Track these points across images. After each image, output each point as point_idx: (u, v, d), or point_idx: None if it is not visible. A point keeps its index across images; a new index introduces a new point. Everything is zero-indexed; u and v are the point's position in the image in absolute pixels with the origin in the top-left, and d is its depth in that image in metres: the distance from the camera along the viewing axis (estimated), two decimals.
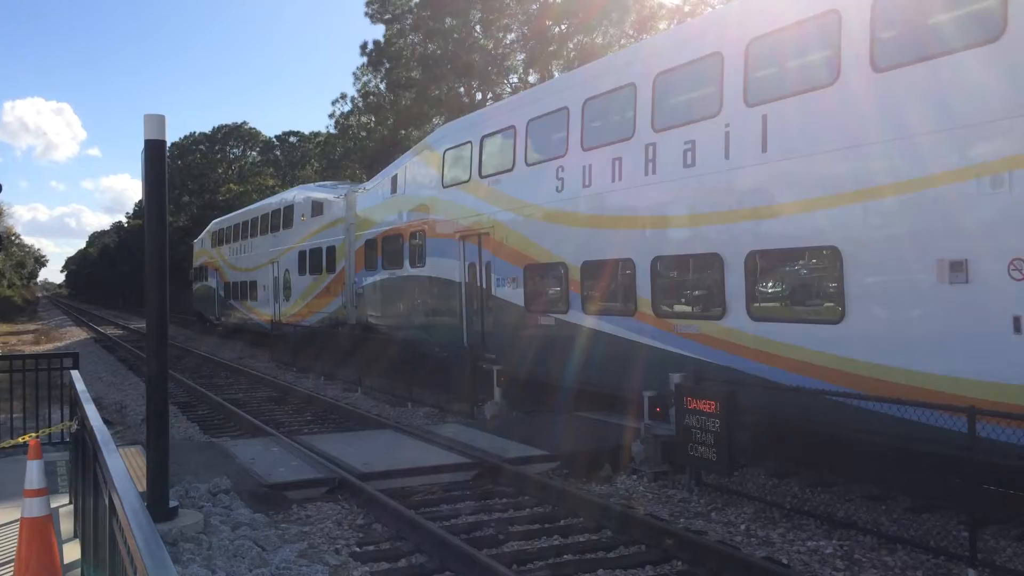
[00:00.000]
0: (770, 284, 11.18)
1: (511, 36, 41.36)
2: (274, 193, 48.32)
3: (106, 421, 16.51)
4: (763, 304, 10.88)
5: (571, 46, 37.87)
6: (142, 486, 8.12)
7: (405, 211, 20.16)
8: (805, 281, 10.77)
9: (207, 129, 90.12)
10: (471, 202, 16.91)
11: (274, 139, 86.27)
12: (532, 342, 14.91)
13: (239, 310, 37.37)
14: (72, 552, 6.62)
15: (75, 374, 8.83)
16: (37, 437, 7.49)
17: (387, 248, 21.34)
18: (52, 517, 5.98)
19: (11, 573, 5.79)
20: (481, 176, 16.64)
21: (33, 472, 5.82)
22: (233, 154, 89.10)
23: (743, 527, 8.73)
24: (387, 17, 43.64)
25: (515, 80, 42.40)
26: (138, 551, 2.67)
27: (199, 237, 48.69)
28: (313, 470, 10.50)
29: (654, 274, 12.17)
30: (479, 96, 42.80)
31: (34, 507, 5.71)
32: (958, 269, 8.31)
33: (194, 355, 32.67)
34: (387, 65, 44.53)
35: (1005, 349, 7.91)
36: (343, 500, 9.67)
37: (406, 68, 43.28)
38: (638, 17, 36.06)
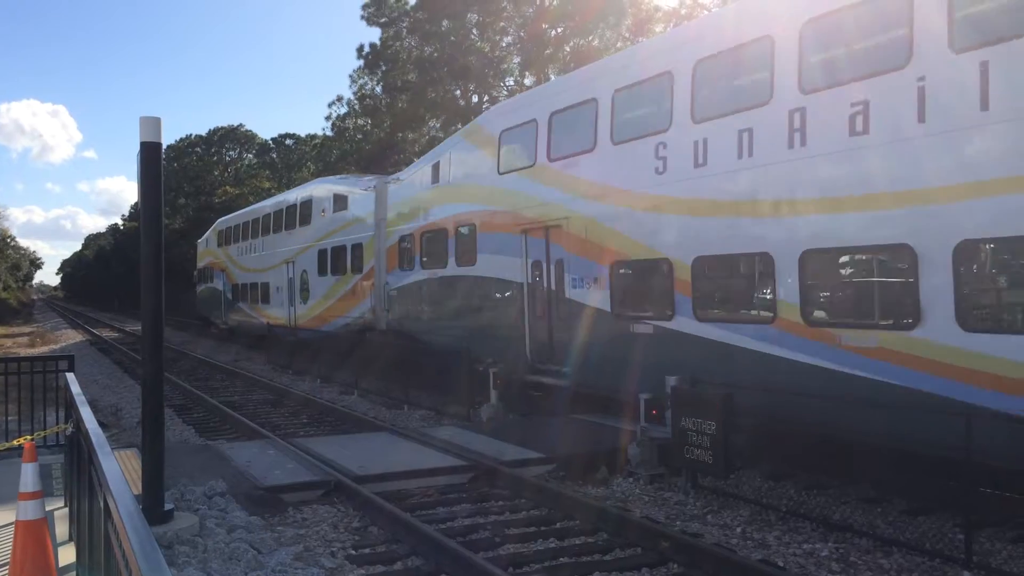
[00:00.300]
0: (997, 283, 8.66)
1: (507, 39, 41.40)
2: (271, 195, 48.07)
3: (101, 424, 16.47)
4: (984, 310, 8.53)
5: (567, 49, 37.90)
6: (137, 489, 8.11)
7: (450, 203, 17.83)
8: None
9: (203, 131, 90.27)
10: (536, 190, 14.72)
11: (270, 141, 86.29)
12: (620, 354, 12.58)
13: (248, 313, 34.80)
14: (67, 555, 6.60)
15: (70, 377, 8.81)
16: (32, 440, 7.48)
17: (427, 245, 19.08)
18: (47, 520, 5.95)
19: None
20: (550, 159, 14.38)
21: (28, 475, 5.80)
22: (229, 156, 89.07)
23: (739, 530, 8.73)
24: (383, 20, 43.67)
25: (511, 83, 42.46)
26: (133, 554, 2.66)
27: (203, 237, 46.00)
28: (309, 473, 10.48)
29: (804, 272, 9.84)
30: (475, 99, 42.84)
31: (29, 510, 5.69)
32: None
33: (190, 358, 32.61)
34: (383, 68, 44.55)
35: None
36: (339, 503, 9.66)
37: (402, 71, 43.29)
38: (634, 20, 36.13)
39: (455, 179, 17.82)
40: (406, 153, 45.45)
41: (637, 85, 12.71)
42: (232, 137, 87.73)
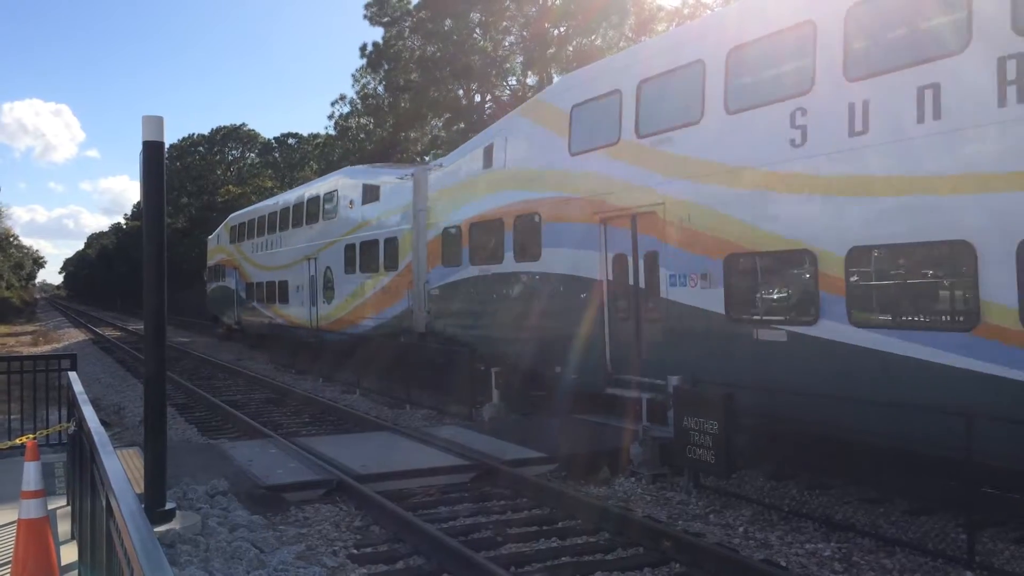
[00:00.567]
0: None
1: (510, 38, 41.39)
2: (273, 195, 47.93)
3: (104, 423, 16.50)
4: None
5: (570, 48, 37.89)
6: (140, 488, 8.12)
7: (507, 190, 15.70)
8: None
9: (206, 130, 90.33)
10: (621, 172, 12.69)
11: (273, 141, 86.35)
12: (738, 365, 10.48)
13: (264, 314, 32.39)
14: (70, 554, 6.60)
15: (73, 375, 8.82)
16: (35, 438, 7.49)
17: (478, 238, 16.84)
18: (49, 519, 5.96)
19: (8, 575, 5.78)
20: (639, 135, 12.33)
21: (30, 473, 5.81)
22: (232, 156, 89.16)
23: (741, 529, 8.73)
24: (386, 19, 43.68)
25: (514, 82, 42.46)
26: (135, 553, 2.66)
27: (214, 233, 43.61)
28: (311, 472, 10.49)
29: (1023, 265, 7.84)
30: (477, 98, 42.85)
31: (31, 508, 5.70)
32: None
33: (193, 357, 32.64)
34: (386, 67, 44.57)
35: None
36: (341, 502, 9.66)
37: (405, 70, 43.30)
38: (637, 20, 36.10)
39: (513, 163, 15.70)
40: (408, 152, 45.49)
41: (760, 42, 10.67)
42: (235, 136, 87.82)
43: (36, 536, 5.63)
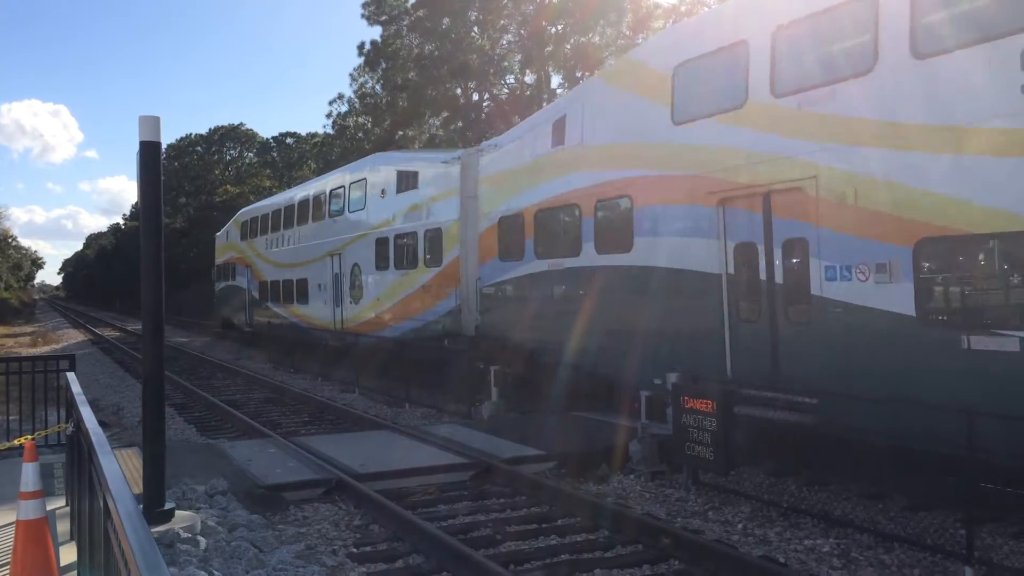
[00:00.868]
0: None
1: (508, 37, 41.37)
2: (271, 194, 47.80)
3: (103, 423, 16.50)
4: None
5: (568, 47, 37.88)
6: (139, 488, 8.12)
7: (585, 170, 13.50)
8: None
9: (204, 130, 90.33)
10: (749, 140, 10.45)
11: (271, 140, 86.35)
12: (936, 381, 8.26)
13: (280, 315, 29.93)
14: (69, 554, 6.61)
15: (71, 376, 8.82)
16: (33, 439, 7.49)
17: (545, 227, 14.74)
18: (48, 519, 5.96)
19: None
20: (776, 94, 10.10)
21: (29, 474, 5.81)
22: (230, 155, 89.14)
23: (740, 526, 8.74)
24: (384, 18, 43.67)
25: (511, 81, 42.44)
26: (132, 554, 2.66)
27: (223, 229, 41.14)
28: (310, 471, 10.49)
29: None
30: (475, 97, 42.83)
31: (29, 509, 5.70)
32: None
33: (191, 356, 32.64)
34: (384, 66, 44.55)
35: None
36: (340, 501, 9.67)
37: (403, 69, 43.29)
38: (635, 17, 36.09)
39: (593, 138, 13.48)
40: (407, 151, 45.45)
41: None
42: (232, 136, 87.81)
43: (34, 537, 5.63)
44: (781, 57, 10.21)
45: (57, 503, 8.25)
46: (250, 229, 34.74)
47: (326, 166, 52.28)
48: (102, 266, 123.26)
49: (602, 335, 13.06)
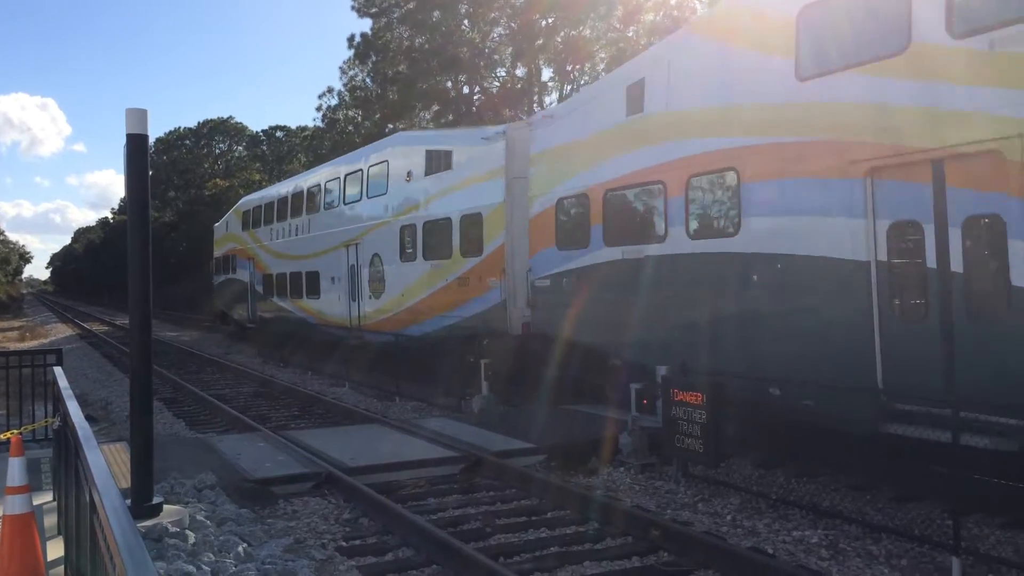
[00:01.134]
0: None
1: (498, 29, 41.29)
2: (261, 187, 47.43)
3: (91, 418, 16.48)
4: None
5: (558, 39, 37.83)
6: (127, 482, 8.09)
7: (673, 139, 11.52)
8: None
9: (192, 124, 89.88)
10: (911, 95, 8.51)
11: (260, 133, 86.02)
12: None
13: (287, 310, 27.76)
14: (56, 549, 6.58)
15: (58, 370, 8.79)
16: (20, 433, 7.44)
17: (617, 209, 12.74)
18: (35, 514, 5.93)
19: None
20: (955, 34, 8.16)
21: (15, 469, 5.78)
22: (219, 149, 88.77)
23: (729, 518, 8.77)
24: (374, 10, 43.48)
25: (503, 73, 42.38)
26: (117, 549, 2.65)
27: (222, 220, 38.57)
28: (299, 465, 10.48)
29: None
30: (466, 90, 42.74)
31: (16, 504, 5.67)
32: None
33: (180, 351, 32.54)
34: (374, 59, 44.40)
35: None
36: (330, 495, 9.66)
37: (393, 62, 43.15)
38: (625, 10, 36.06)
39: (682, 102, 11.48)
40: None
41: None
42: (222, 129, 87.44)
43: (21, 532, 5.60)
44: None
45: (44, 498, 8.21)
46: (253, 219, 32.46)
47: (316, 159, 52.12)
48: (90, 260, 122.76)
49: (692, 335, 11.00)
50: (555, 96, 40.06)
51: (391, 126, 43.27)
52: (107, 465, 3.90)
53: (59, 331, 51.05)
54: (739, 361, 10.27)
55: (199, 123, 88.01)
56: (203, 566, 6.84)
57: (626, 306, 12.34)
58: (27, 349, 21.26)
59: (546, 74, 40.93)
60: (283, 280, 28.24)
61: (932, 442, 7.82)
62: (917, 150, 8.49)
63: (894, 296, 8.87)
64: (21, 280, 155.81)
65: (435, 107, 43.47)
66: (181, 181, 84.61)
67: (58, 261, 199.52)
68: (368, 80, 46.85)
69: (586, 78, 39.00)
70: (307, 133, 69.71)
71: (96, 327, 51.67)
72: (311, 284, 25.64)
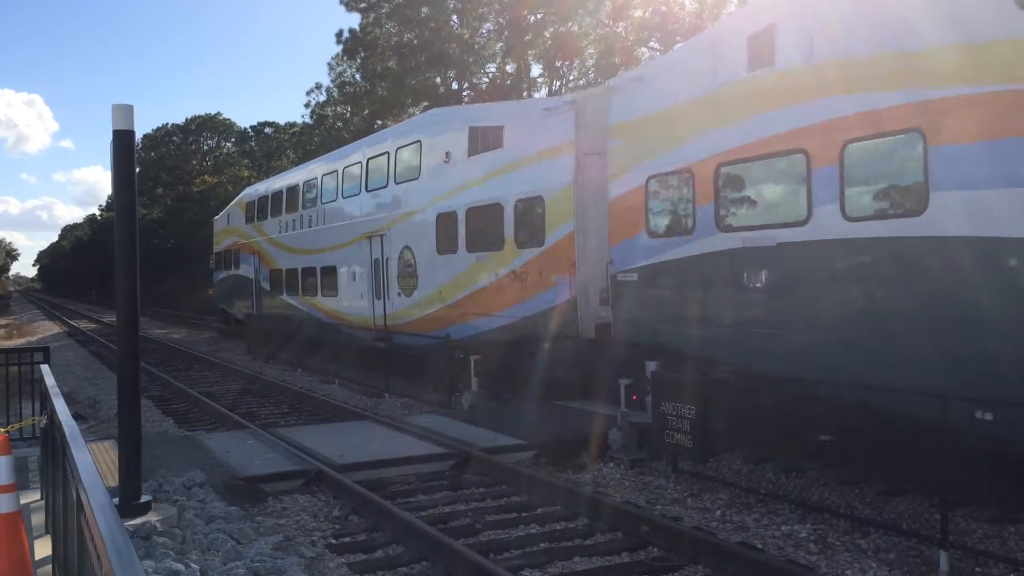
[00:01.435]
0: None
1: (487, 25, 41.23)
2: (250, 183, 47.08)
3: (79, 416, 16.40)
4: None
5: (547, 35, 37.80)
6: (115, 480, 8.07)
7: (817, 97, 9.38)
8: None
9: (180, 120, 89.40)
10: None
11: (249, 130, 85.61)
12: None
13: (299, 309, 25.62)
14: (44, 548, 6.55)
15: (45, 368, 8.74)
16: (7, 432, 7.40)
17: (732, 187, 10.57)
18: (23, 513, 5.90)
19: None
20: None
21: (2, 467, 5.75)
22: (207, 145, 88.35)
23: (719, 513, 8.80)
24: (362, 5, 43.33)
25: (492, 69, 42.32)
26: (104, 548, 2.63)
27: (222, 212, 36.21)
28: (289, 462, 10.45)
29: None
30: (455, 85, 42.67)
31: (3, 503, 5.64)
32: None
33: (169, 348, 32.40)
34: (363, 54, 44.27)
35: None
36: (319, 492, 9.64)
37: (382, 57, 43.04)
38: (613, 6, 36.05)
39: (834, 50, 9.31)
40: None
41: None
42: (210, 126, 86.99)
43: (8, 531, 5.57)
44: None
45: (32, 496, 8.18)
46: (258, 210, 29.99)
47: (305, 156, 51.93)
48: (78, 258, 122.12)
49: (849, 344, 9.00)
50: (544, 92, 40.05)
51: (380, 122, 43.17)
52: (95, 463, 3.88)
53: (46, 329, 50.76)
54: (931, 376, 8.06)
55: (187, 119, 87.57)
56: (191, 564, 6.81)
57: (748, 308, 10.15)
58: (14, 347, 21.14)
59: (535, 70, 40.94)
60: (293, 276, 26.13)
61: None
62: None
63: None
64: (8, 278, 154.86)
65: (424, 104, 43.39)
66: (169, 178, 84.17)
67: (45, 258, 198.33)
68: (357, 76, 46.74)
69: (575, 74, 39.05)
70: (296, 129, 69.46)
71: (84, 324, 51.41)
72: (327, 280, 23.51)
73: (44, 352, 10.66)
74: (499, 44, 40.76)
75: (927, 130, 8.30)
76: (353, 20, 46.71)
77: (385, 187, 20.19)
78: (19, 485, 5.97)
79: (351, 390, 19.23)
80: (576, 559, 7.45)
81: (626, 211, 12.30)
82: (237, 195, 36.51)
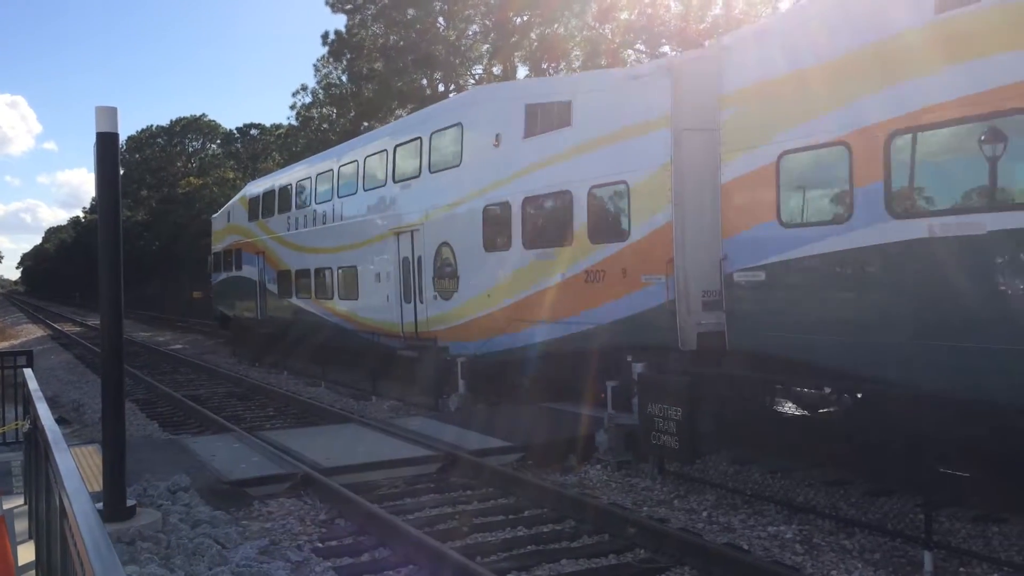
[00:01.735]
0: None
1: (473, 27, 41.23)
2: (236, 187, 46.73)
3: (63, 420, 16.27)
4: None
5: (533, 36, 37.84)
6: (99, 485, 8.00)
7: None
8: None
9: (165, 122, 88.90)
10: None
11: (235, 131, 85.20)
12: None
13: (311, 313, 23.29)
14: (27, 553, 6.49)
15: (28, 372, 8.67)
16: None
17: (911, 163, 8.47)
18: (6, 518, 5.85)
19: None
20: None
21: None
22: (192, 147, 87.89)
23: (705, 514, 8.82)
24: (348, 7, 43.25)
25: (479, 71, 42.31)
26: (86, 553, 2.62)
27: (222, 210, 33.90)
28: (275, 466, 10.40)
29: None
30: (441, 87, 42.63)
31: None
32: None
33: (153, 352, 32.20)
34: (349, 56, 44.17)
35: None
36: (306, 496, 9.60)
37: (368, 59, 42.96)
38: (599, 8, 36.13)
39: None
40: None
41: None
42: (195, 127, 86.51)
43: None
44: None
45: (15, 501, 8.11)
46: (264, 207, 27.66)
47: (291, 157, 51.71)
48: (62, 260, 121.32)
49: None
50: None
51: (366, 124, 43.10)
52: (78, 468, 3.85)
53: (30, 332, 50.36)
54: None
55: (172, 121, 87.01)
56: (176, 569, 6.78)
57: (942, 315, 8.03)
58: None
59: (521, 72, 40.94)
60: (305, 277, 23.85)
61: None
62: None
63: None
64: None
65: (410, 106, 43.35)
66: (154, 180, 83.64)
67: (29, 261, 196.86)
68: (343, 77, 46.64)
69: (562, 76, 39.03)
70: (281, 131, 69.19)
71: (68, 328, 51.04)
72: (345, 282, 21.28)
73: (27, 356, 10.60)
74: (485, 46, 40.74)
75: None
76: (339, 21, 46.67)
77: (417, 177, 17.99)
78: (2, 490, 5.92)
79: (337, 393, 19.17)
80: (563, 561, 7.46)
81: (748, 196, 10.06)
82: (222, 196, 35.79)
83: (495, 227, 15.13)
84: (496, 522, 8.58)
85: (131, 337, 37.07)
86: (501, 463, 10.60)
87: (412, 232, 17.88)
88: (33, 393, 6.90)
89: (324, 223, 22.64)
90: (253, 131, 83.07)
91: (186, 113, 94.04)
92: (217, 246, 33.07)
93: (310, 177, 24.04)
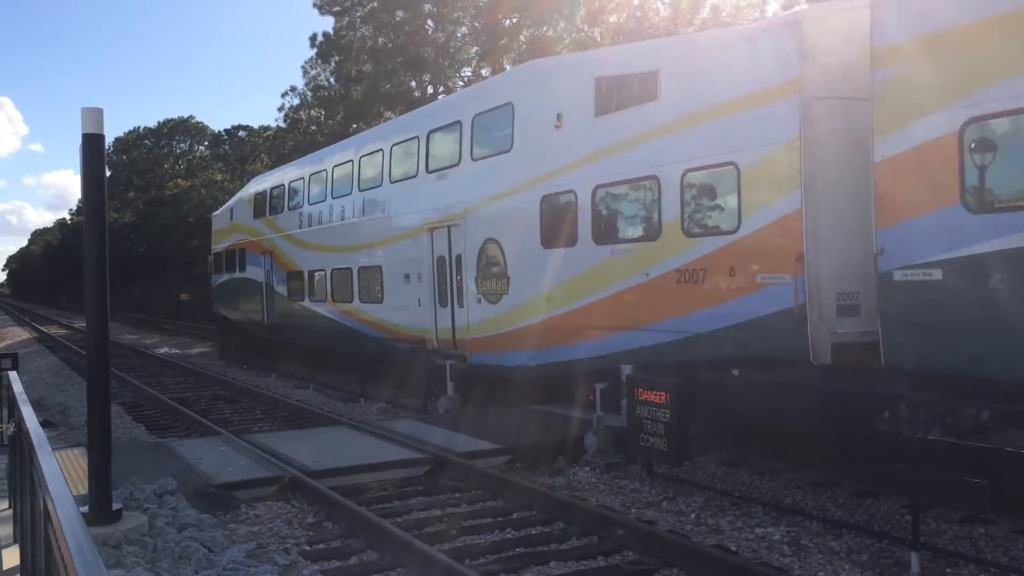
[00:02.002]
0: None
1: (463, 29, 41.23)
2: (225, 189, 46.38)
3: (49, 423, 16.17)
4: None
5: (522, 39, 37.87)
6: (85, 488, 7.95)
7: None
8: None
9: (152, 123, 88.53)
10: None
11: (223, 133, 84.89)
12: None
13: (327, 318, 21.28)
14: (12, 558, 6.44)
15: (13, 375, 8.60)
16: None
17: None
18: None
19: None
20: None
21: None
22: (180, 149, 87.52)
23: (693, 516, 8.83)
24: (336, 9, 43.19)
25: (468, 73, 42.31)
26: (71, 557, 2.60)
27: (224, 207, 31.96)
28: (262, 469, 10.35)
29: None
30: (430, 90, 42.61)
31: None
32: None
33: (140, 354, 32.04)
34: (337, 58, 44.10)
35: None
36: (293, 499, 9.55)
37: (356, 61, 42.89)
38: (588, 11, 36.20)
39: None
40: None
41: None
42: (182, 129, 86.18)
43: None
44: None
45: (0, 506, 8.04)
46: (271, 203, 25.52)
47: (279, 159, 51.53)
48: (48, 262, 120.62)
49: None
50: None
51: (355, 126, 43.06)
52: (63, 471, 3.83)
53: (15, 335, 50.01)
54: None
55: (159, 122, 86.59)
56: (163, 573, 6.75)
57: None
58: None
59: None
60: (320, 279, 21.80)
61: None
62: None
63: None
64: None
65: (399, 108, 43.32)
66: (141, 181, 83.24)
67: (15, 263, 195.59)
68: (331, 79, 46.55)
69: None
70: (270, 133, 68.98)
71: (53, 330, 50.72)
72: (368, 283, 19.19)
73: (12, 359, 10.56)
74: (474, 48, 40.77)
75: None
76: (327, 23, 46.57)
77: (456, 165, 15.93)
78: None
79: (326, 395, 19.12)
80: (552, 563, 7.45)
81: (916, 176, 8.17)
82: (210, 199, 35.30)
83: (556, 220, 13.18)
84: (485, 524, 8.57)
85: (117, 340, 36.88)
86: (490, 465, 10.59)
87: (449, 227, 15.83)
88: (18, 396, 6.85)
89: (343, 219, 20.47)
90: (241, 133, 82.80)
91: (174, 115, 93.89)
92: (218, 246, 30.92)
93: (325, 170, 21.90)
